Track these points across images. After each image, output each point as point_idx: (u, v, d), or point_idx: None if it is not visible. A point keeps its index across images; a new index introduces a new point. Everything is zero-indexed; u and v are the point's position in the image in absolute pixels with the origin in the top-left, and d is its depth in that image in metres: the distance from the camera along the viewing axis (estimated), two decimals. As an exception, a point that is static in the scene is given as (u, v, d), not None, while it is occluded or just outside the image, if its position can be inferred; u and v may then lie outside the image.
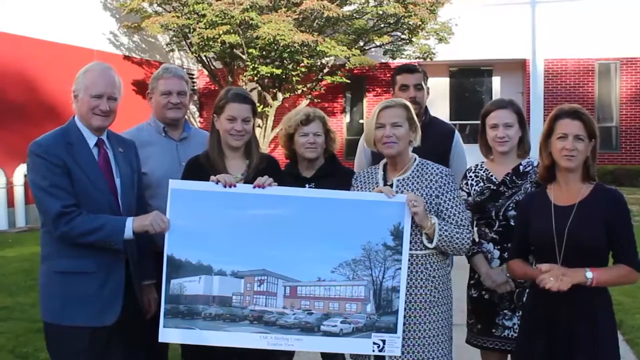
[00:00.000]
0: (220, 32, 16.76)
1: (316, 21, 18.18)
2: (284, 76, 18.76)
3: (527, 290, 4.15)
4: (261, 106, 18.70)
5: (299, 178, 4.62)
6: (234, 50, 18.06)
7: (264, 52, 17.88)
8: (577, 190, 3.69)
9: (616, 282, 3.65)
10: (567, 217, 3.63)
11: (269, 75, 18.32)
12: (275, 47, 17.43)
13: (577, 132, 3.61)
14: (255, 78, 18.47)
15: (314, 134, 4.58)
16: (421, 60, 19.69)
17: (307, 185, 4.52)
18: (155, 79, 4.62)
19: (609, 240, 3.58)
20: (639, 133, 21.19)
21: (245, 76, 18.46)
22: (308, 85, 19.81)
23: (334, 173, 4.62)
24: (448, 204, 3.96)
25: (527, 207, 3.89)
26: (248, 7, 16.75)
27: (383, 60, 21.11)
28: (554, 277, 3.47)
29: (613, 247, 3.61)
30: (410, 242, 3.88)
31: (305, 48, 17.42)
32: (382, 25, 19.31)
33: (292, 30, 16.87)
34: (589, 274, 3.49)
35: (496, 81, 22.94)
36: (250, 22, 16.83)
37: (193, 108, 22.97)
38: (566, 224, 3.62)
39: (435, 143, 4.78)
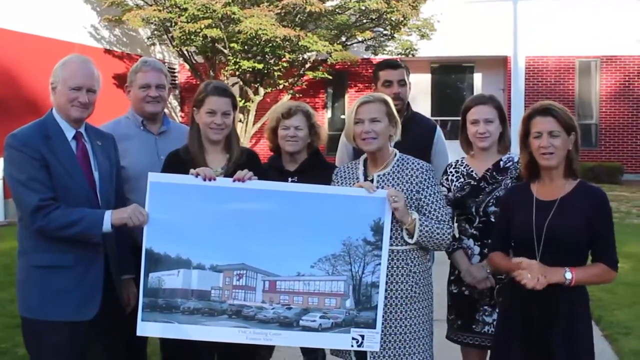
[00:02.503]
0: (202, 26, 16.69)
1: (298, 16, 18.16)
2: (265, 71, 18.72)
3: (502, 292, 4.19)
4: (243, 101, 18.66)
5: (282, 171, 4.60)
6: (216, 44, 18.01)
7: (245, 47, 17.83)
8: (560, 185, 3.69)
9: (594, 281, 3.69)
10: (548, 211, 3.64)
11: (250, 69, 18.26)
12: (257, 42, 17.38)
13: (551, 128, 3.61)
14: (237, 73, 18.43)
15: (295, 128, 4.56)
16: (403, 56, 19.72)
17: (289, 179, 4.51)
18: (134, 72, 4.58)
19: (590, 239, 3.59)
20: (619, 130, 21.37)
21: (226, 71, 18.41)
22: (290, 80, 19.77)
23: (317, 168, 4.60)
24: (429, 200, 3.96)
25: (510, 201, 3.90)
26: (230, 1, 16.72)
27: (365, 56, 21.13)
28: (532, 275, 3.48)
29: (593, 246, 3.62)
30: (391, 238, 3.88)
31: (287, 43, 17.38)
32: (365, 21, 19.32)
33: (274, 25, 16.83)
34: (569, 275, 3.51)
35: (477, 78, 23.04)
36: (232, 16, 16.79)
37: (174, 102, 22.88)
38: (547, 219, 3.62)
39: (417, 138, 4.79)
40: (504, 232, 3.87)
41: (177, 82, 22.98)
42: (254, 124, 19.51)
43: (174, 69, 22.70)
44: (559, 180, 3.69)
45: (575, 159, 3.69)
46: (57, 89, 3.80)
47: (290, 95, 19.68)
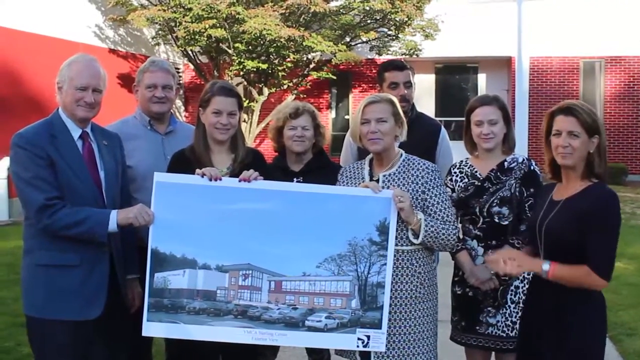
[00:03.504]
0: (207, 26, 16.69)
1: (303, 16, 18.16)
2: (270, 71, 18.72)
3: (519, 289, 4.28)
4: (247, 101, 18.64)
5: (287, 172, 4.61)
6: (220, 44, 18.02)
7: (250, 47, 17.83)
8: (573, 186, 3.62)
9: (574, 281, 3.48)
10: (552, 211, 3.62)
11: (255, 70, 18.26)
12: (262, 42, 17.40)
13: (570, 128, 3.53)
14: (241, 73, 18.42)
15: (302, 128, 4.57)
16: (407, 56, 19.70)
17: (295, 179, 4.51)
18: (141, 72, 4.60)
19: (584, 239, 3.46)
20: (623, 131, 21.33)
21: (231, 71, 18.39)
22: (294, 81, 19.76)
23: (322, 168, 4.62)
24: (434, 200, 3.96)
25: (536, 199, 3.93)
26: (234, 1, 16.72)
27: (369, 56, 21.14)
28: (503, 261, 3.51)
29: (584, 246, 3.46)
30: (396, 238, 3.88)
31: (291, 43, 17.38)
32: (369, 21, 19.31)
33: (278, 25, 16.83)
34: (546, 266, 3.47)
35: (482, 78, 23.01)
36: (237, 16, 16.79)
37: (178, 102, 22.87)
38: (548, 218, 3.61)
39: (422, 139, 4.77)
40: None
41: (181, 82, 22.98)
42: (258, 124, 19.50)
43: (179, 69, 22.68)
44: (575, 181, 3.62)
45: (597, 163, 3.58)
46: (63, 88, 3.81)
47: (294, 96, 19.67)
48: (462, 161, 4.56)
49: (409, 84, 5.02)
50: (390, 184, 3.98)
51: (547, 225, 3.60)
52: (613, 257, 3.49)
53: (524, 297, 4.20)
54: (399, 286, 3.93)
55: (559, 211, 3.60)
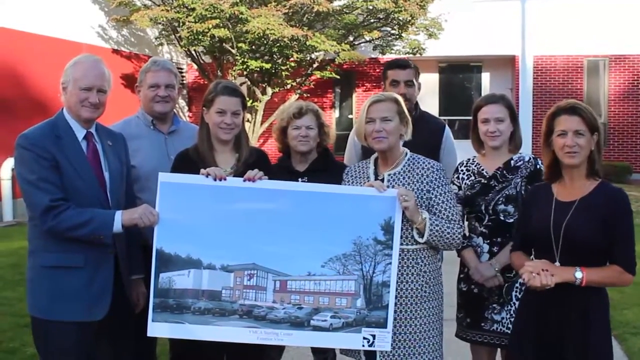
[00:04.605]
0: (210, 26, 16.68)
1: (306, 16, 18.14)
2: (273, 71, 18.71)
3: (524, 287, 4.17)
4: (250, 101, 18.63)
5: (292, 172, 4.58)
6: (224, 44, 18.00)
7: (253, 47, 17.83)
8: (581, 186, 3.61)
9: (607, 283, 3.56)
10: (566, 212, 3.58)
11: (258, 69, 18.25)
12: (265, 42, 17.38)
13: (576, 127, 3.54)
14: (245, 72, 18.41)
15: (307, 127, 4.54)
16: (411, 55, 19.66)
17: (300, 179, 4.48)
18: (144, 72, 4.59)
19: (607, 240, 3.48)
20: (627, 130, 21.29)
21: (234, 70, 18.39)
22: (297, 80, 19.75)
23: (328, 167, 4.58)
24: (439, 199, 3.96)
25: (531, 200, 3.86)
26: (237, 1, 16.71)
27: (372, 56, 21.11)
28: (536, 271, 3.43)
29: (609, 247, 3.50)
30: (401, 237, 3.87)
31: (294, 43, 17.36)
32: (372, 21, 19.28)
33: (281, 24, 16.82)
34: (579, 274, 3.44)
35: (485, 77, 22.98)
36: (240, 16, 16.78)
37: (182, 102, 22.88)
38: (564, 220, 3.56)
39: (426, 138, 4.78)
40: (524, 232, 3.83)
41: (184, 82, 22.99)
42: (261, 124, 19.49)
43: (182, 69, 22.68)
44: (580, 181, 3.62)
45: (598, 160, 3.60)
46: (68, 89, 3.80)
47: (298, 95, 19.66)
48: (469, 159, 4.56)
49: (410, 83, 5.02)
50: (395, 183, 3.97)
51: (567, 226, 3.55)
52: (635, 252, 3.56)
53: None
54: (404, 285, 3.93)
55: (577, 212, 3.56)
